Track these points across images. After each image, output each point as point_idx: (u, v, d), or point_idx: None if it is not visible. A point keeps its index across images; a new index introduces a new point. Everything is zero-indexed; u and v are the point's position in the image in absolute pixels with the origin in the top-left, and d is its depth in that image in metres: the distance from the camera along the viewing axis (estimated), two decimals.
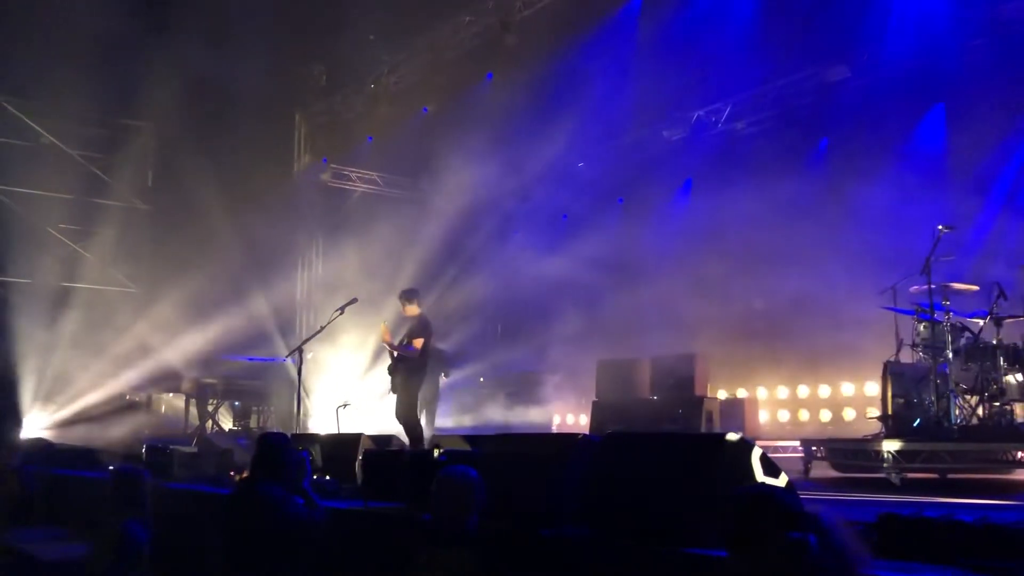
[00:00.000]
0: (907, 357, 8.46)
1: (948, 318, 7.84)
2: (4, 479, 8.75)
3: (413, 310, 9.90)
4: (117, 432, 13.00)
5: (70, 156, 15.92)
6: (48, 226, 15.53)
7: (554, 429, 14.68)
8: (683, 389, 11.33)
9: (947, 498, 5.65)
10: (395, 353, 9.58)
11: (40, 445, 12.42)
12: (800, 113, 12.93)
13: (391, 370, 9.71)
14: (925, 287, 7.73)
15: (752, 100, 13.62)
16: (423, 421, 11.85)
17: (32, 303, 14.69)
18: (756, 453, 3.74)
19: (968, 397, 7.81)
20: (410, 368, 9.61)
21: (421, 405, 11.79)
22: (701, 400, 11.06)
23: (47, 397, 14.06)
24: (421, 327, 9.76)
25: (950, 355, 7.70)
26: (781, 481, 3.61)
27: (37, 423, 13.89)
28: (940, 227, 7.77)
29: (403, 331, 9.84)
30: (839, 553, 2.07)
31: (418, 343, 9.59)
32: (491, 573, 3.71)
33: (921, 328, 8.12)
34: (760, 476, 3.59)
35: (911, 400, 8.09)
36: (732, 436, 3.79)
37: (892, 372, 8.21)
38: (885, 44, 11.60)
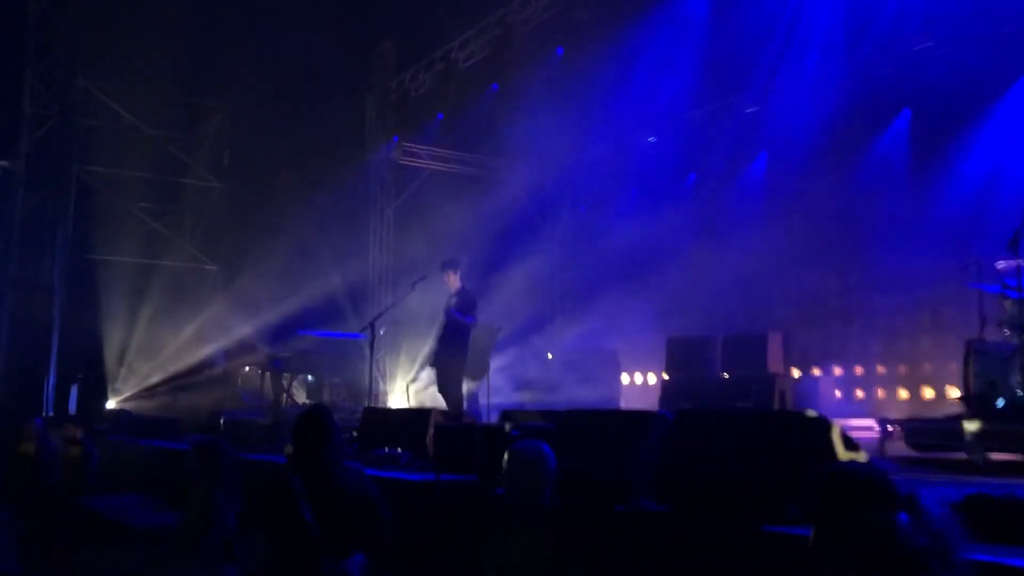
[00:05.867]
0: (992, 336, 8.17)
1: None
2: (69, 448, 9.10)
3: (455, 281, 10.01)
4: (197, 404, 13.43)
5: (149, 136, 16.35)
6: (129, 205, 15.99)
7: (622, 405, 14.63)
8: (755, 367, 11.13)
9: None
10: (443, 327, 9.80)
11: (123, 416, 12.92)
12: (882, 83, 12.50)
13: (438, 342, 9.90)
14: (1012, 263, 7.43)
15: (832, 70, 13.21)
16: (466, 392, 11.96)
17: (116, 280, 15.22)
18: (835, 431, 3.66)
19: None
20: (460, 341, 9.77)
21: (472, 378, 11.92)
22: (774, 378, 10.86)
23: (131, 370, 14.58)
24: (471, 299, 9.91)
25: None
26: (862, 459, 3.53)
27: (121, 395, 14.42)
28: None
29: (449, 303, 9.97)
30: (936, 536, 1.99)
31: (471, 316, 9.82)
32: (565, 549, 3.72)
33: (1007, 305, 7.81)
34: (841, 454, 3.52)
35: (995, 380, 7.80)
36: (811, 414, 3.72)
37: (975, 351, 7.92)
38: (971, 9, 11.14)
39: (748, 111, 14.65)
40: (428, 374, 10.24)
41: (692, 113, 15.24)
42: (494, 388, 12.08)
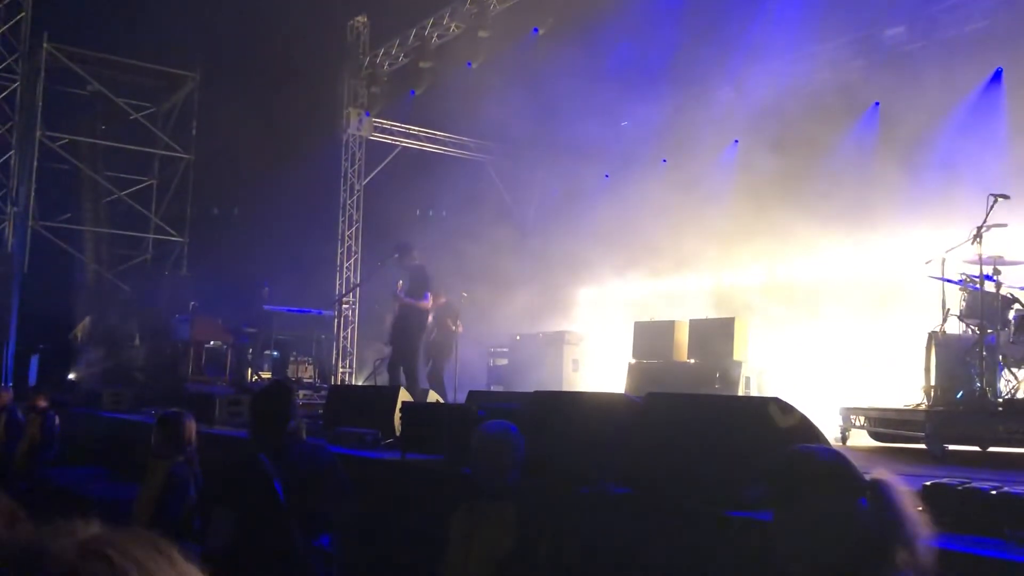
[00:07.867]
0: (953, 328, 8.29)
1: (999, 289, 7.65)
2: (30, 420, 8.98)
3: (408, 262, 10.02)
4: (160, 377, 13.29)
5: (116, 104, 16.05)
6: (95, 174, 15.72)
7: (588, 388, 14.68)
8: (721, 353, 11.24)
9: (989, 471, 5.57)
10: (398, 306, 9.84)
11: (85, 387, 12.75)
12: (853, 76, 12.60)
13: (394, 323, 9.95)
14: (975, 256, 7.54)
15: (804, 60, 13.29)
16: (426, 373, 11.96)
17: (80, 250, 14.97)
18: (799, 418, 3.71)
19: (1015, 370, 7.64)
20: (418, 320, 9.80)
21: (438, 360, 11.91)
22: (739, 365, 10.98)
23: (93, 342, 14.37)
24: (425, 278, 9.91)
25: (999, 327, 7.54)
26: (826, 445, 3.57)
27: (83, 366, 14.22)
28: (992, 195, 7.54)
29: (403, 283, 9.97)
30: (894, 522, 1.99)
31: (427, 294, 9.83)
32: (531, 530, 3.73)
33: (969, 298, 7.94)
34: (804, 440, 3.56)
35: (955, 371, 7.94)
36: (775, 400, 3.76)
37: (937, 342, 8.05)
38: (944, 3, 11.25)
39: (723, 98, 14.69)
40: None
41: (665, 98, 15.25)
42: (461, 368, 12.10)
